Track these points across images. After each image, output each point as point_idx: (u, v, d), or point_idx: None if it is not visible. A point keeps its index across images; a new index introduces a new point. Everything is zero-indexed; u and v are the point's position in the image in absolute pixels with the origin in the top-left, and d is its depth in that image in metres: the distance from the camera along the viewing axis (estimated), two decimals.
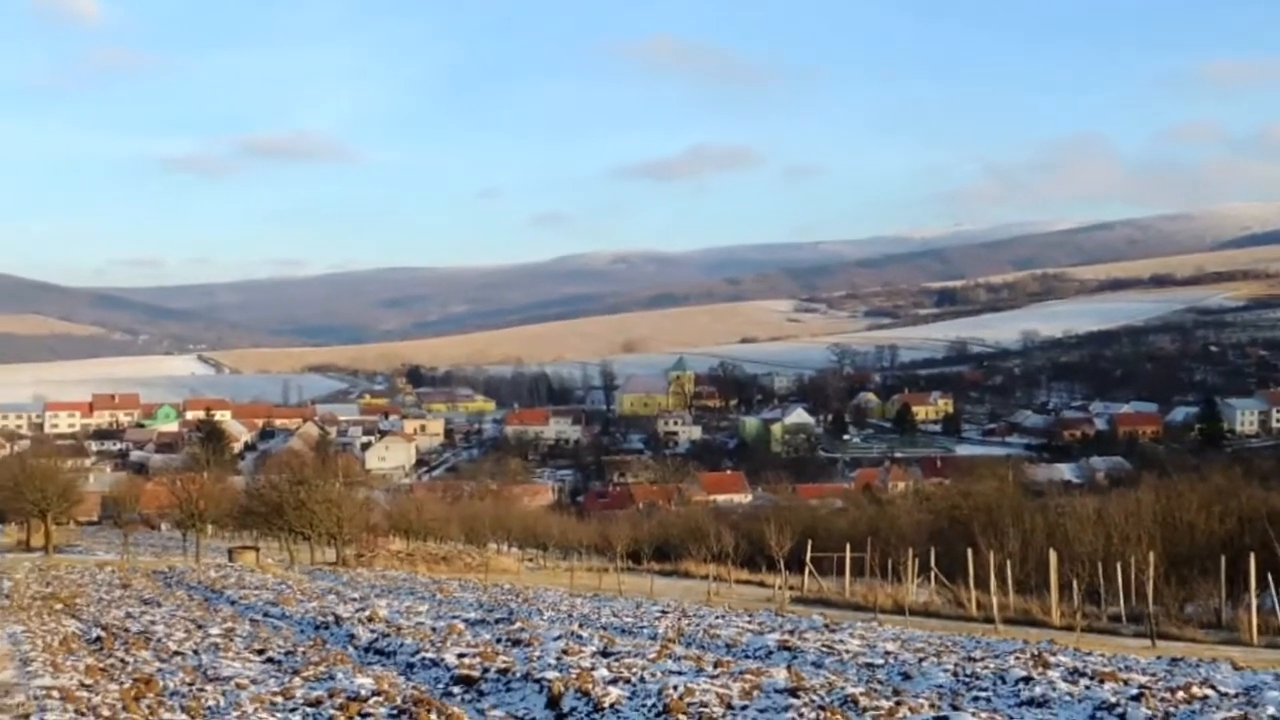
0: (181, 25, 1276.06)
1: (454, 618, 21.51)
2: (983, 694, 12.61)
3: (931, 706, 11.23)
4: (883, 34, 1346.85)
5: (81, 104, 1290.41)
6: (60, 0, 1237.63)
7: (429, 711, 11.25)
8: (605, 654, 15.10)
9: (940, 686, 13.34)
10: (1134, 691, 11.95)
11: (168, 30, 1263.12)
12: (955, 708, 11.33)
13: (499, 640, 16.99)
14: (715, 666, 13.84)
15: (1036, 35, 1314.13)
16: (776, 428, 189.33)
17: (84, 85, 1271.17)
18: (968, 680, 13.64)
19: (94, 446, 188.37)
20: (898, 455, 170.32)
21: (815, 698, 11.51)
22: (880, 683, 13.65)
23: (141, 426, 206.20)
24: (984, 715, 10.99)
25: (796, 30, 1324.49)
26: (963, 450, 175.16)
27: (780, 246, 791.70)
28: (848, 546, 41.74)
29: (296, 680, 13.46)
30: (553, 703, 12.02)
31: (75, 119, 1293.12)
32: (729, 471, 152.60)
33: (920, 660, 15.69)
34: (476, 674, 13.78)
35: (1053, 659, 15.58)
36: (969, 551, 34.58)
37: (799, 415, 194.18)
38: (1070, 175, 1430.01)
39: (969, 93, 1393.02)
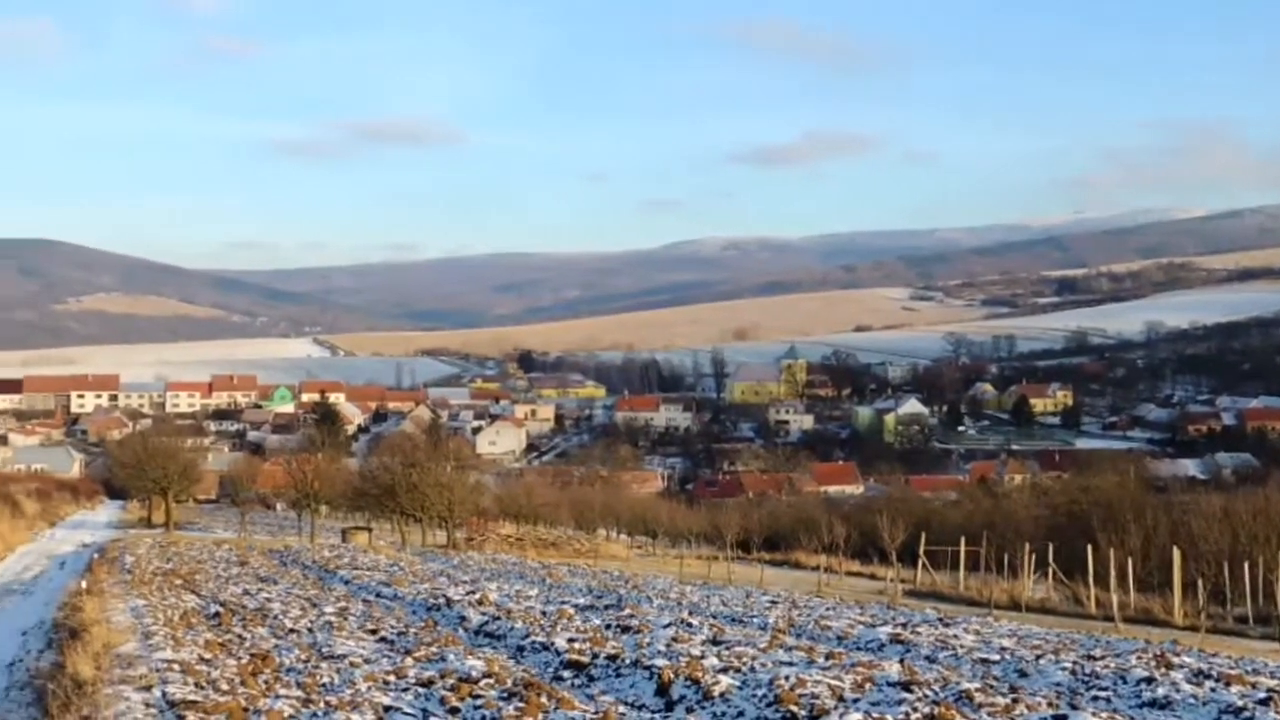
0: (292, 11, 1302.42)
1: (563, 603, 21.59)
2: (1103, 693, 12.34)
3: (1049, 705, 11.03)
4: (1001, 16, 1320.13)
5: (198, 90, 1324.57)
6: None
7: (539, 695, 11.26)
8: (715, 642, 15.01)
9: (1058, 685, 13.10)
10: (1262, 695, 11.57)
11: (279, 16, 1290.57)
12: (1074, 707, 11.10)
13: (608, 626, 16.98)
14: (827, 658, 13.71)
15: (1162, 16, 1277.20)
16: (890, 418, 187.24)
17: (200, 72, 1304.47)
18: (1087, 679, 13.36)
19: (212, 426, 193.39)
20: (1014, 448, 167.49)
21: (929, 692, 11.36)
22: (996, 679, 13.42)
23: (258, 407, 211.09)
24: (1104, 715, 10.73)
25: (912, 13, 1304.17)
26: (1082, 444, 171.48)
27: (896, 233, 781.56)
28: (962, 540, 41.11)
29: (409, 660, 13.60)
30: (662, 690, 11.97)
31: (192, 105, 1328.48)
32: (841, 462, 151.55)
33: (1037, 657, 15.41)
34: (586, 659, 13.79)
35: (1176, 659, 15.17)
36: (1088, 548, 33.86)
37: (913, 406, 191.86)
38: (1198, 161, 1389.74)
39: (1090, 76, 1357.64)
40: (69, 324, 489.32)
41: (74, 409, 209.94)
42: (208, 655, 13.76)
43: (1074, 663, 14.61)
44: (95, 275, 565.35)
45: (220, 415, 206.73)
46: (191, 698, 11.03)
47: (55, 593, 26.77)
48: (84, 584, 24.51)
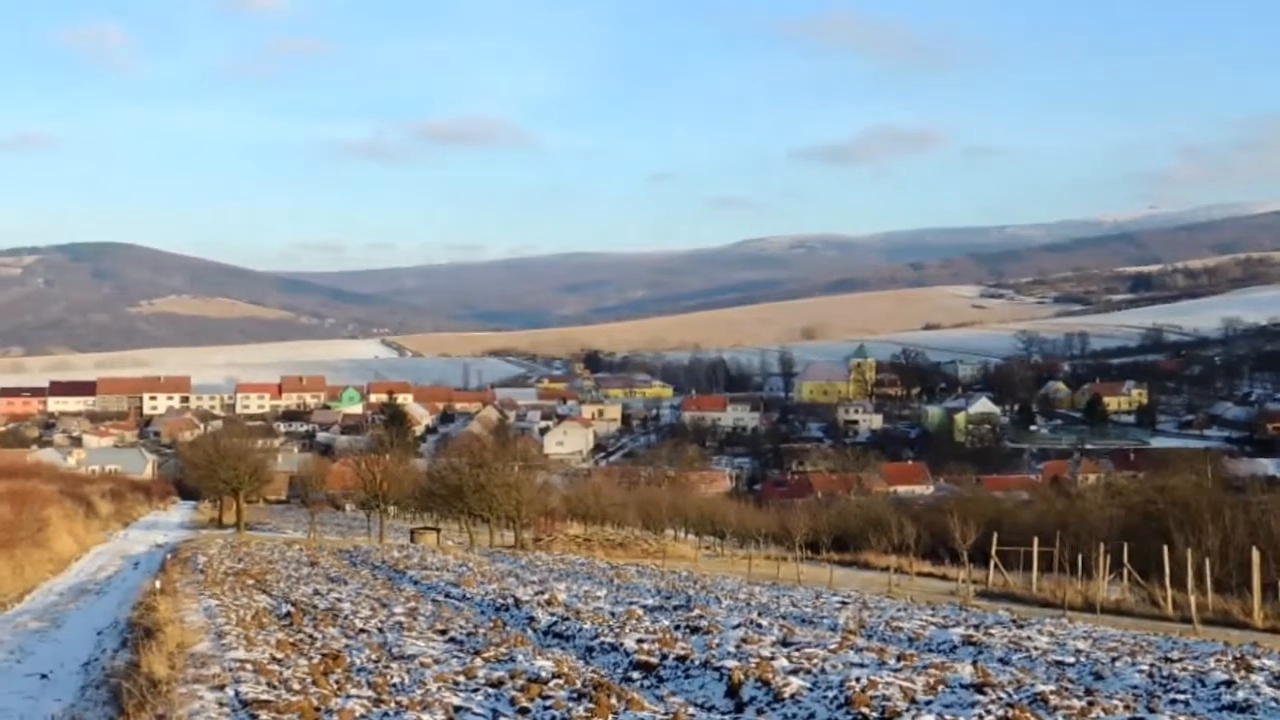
0: (358, 13, 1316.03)
1: (632, 603, 21.57)
2: (1181, 697, 12.14)
3: (1126, 708, 10.90)
4: (1070, 8, 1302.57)
5: (265, 92, 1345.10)
6: None
7: (609, 696, 11.24)
8: (785, 644, 14.93)
9: (1135, 687, 12.93)
10: None
11: (345, 18, 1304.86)
12: (1152, 710, 10.98)
13: (677, 627, 16.94)
14: (898, 660, 13.59)
15: (1236, 7, 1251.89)
16: (960, 417, 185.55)
17: (268, 74, 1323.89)
18: (1164, 682, 13.20)
19: (282, 427, 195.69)
20: (1088, 447, 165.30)
21: (1003, 695, 11.25)
22: (1071, 682, 13.25)
23: (327, 408, 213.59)
24: (1182, 719, 10.53)
25: (978, 6, 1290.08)
26: (1157, 443, 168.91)
27: (965, 230, 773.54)
28: (1035, 541, 40.56)
29: (478, 661, 13.64)
30: (732, 691, 11.92)
31: (259, 107, 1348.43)
32: (910, 462, 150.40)
33: (1113, 659, 15.21)
34: (655, 660, 13.76)
35: (1256, 662, 14.85)
36: (1164, 548, 33.29)
37: (984, 405, 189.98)
38: (1275, 155, 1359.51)
39: (1163, 68, 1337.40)
40: (141, 326, 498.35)
41: (146, 410, 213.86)
42: (279, 655, 13.89)
43: (1151, 665, 14.44)
44: (166, 278, 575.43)
45: (289, 416, 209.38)
46: (264, 697, 11.13)
47: (129, 592, 27.24)
48: (157, 584, 24.88)
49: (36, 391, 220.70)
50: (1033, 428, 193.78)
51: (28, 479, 58.39)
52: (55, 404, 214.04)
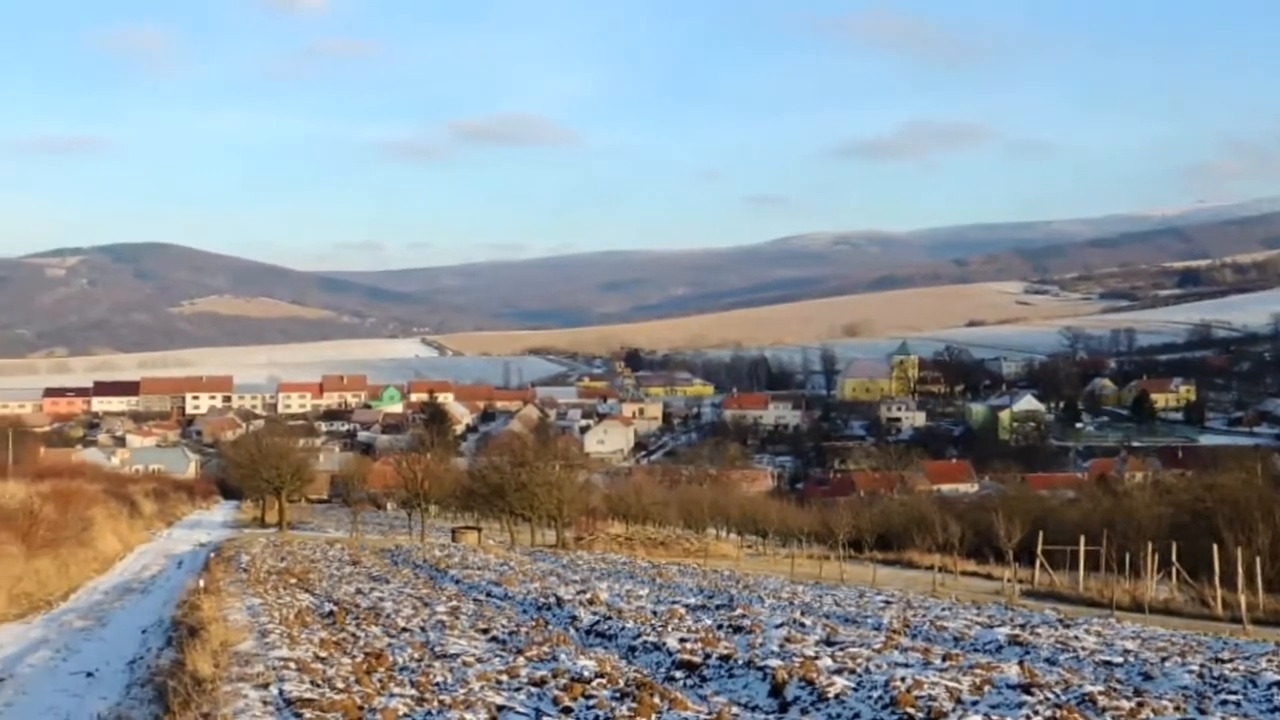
0: (398, 13, 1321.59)
1: (674, 602, 21.54)
2: (1232, 698, 12.01)
3: (1176, 709, 10.82)
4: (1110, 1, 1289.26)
5: (305, 92, 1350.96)
6: None
7: (652, 695, 11.21)
8: (829, 643, 14.85)
9: (1185, 688, 12.80)
10: None
11: (385, 18, 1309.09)
12: (1202, 711, 10.90)
13: (720, 626, 16.89)
14: (944, 659, 13.51)
15: None
16: (1005, 415, 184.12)
17: (308, 75, 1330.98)
18: (1215, 683, 13.05)
19: (323, 427, 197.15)
20: (1135, 445, 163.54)
21: (1050, 695, 11.19)
22: (1119, 682, 13.15)
23: (368, 407, 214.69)
24: None
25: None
26: (1206, 440, 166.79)
27: (1008, 226, 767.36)
28: (1081, 540, 40.20)
29: (520, 660, 13.64)
30: (776, 690, 11.87)
31: (299, 107, 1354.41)
32: (954, 460, 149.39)
33: (1162, 660, 15.06)
34: (698, 659, 13.71)
35: None
36: (1214, 547, 32.90)
37: (1029, 402, 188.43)
38: None
39: (1209, 60, 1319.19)
40: (183, 326, 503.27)
41: (189, 410, 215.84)
42: (323, 653, 13.94)
43: (1201, 666, 14.30)
44: (208, 278, 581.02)
45: (331, 415, 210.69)
46: (308, 695, 11.17)
47: (173, 591, 27.47)
48: (201, 583, 25.06)
49: (81, 391, 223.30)
50: (1079, 425, 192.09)
51: (72, 479, 58.99)
52: (99, 404, 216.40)
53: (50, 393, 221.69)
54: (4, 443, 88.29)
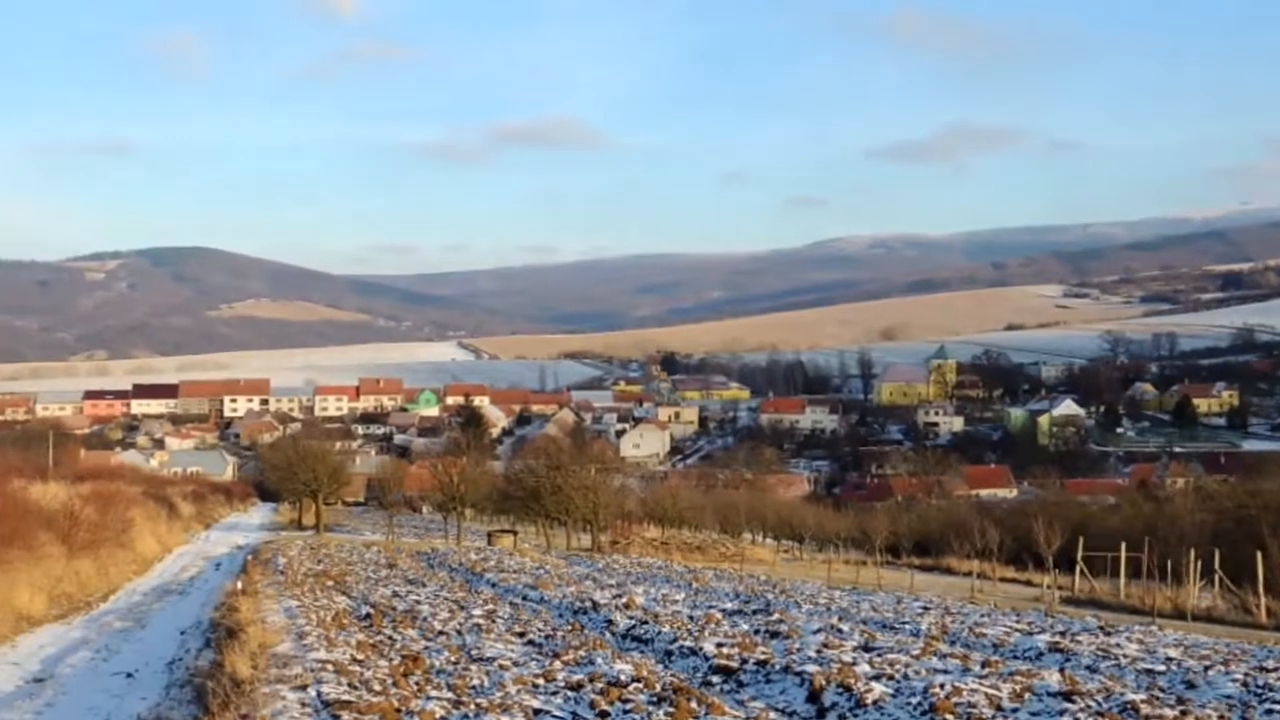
0: (432, 16, 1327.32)
1: (710, 607, 21.47)
2: (1276, 707, 11.87)
3: (1220, 718, 10.76)
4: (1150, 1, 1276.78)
5: (341, 95, 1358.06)
6: None
7: (689, 700, 11.18)
8: (867, 649, 14.76)
9: (1229, 697, 12.63)
10: None
11: (419, 21, 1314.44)
12: None
13: (757, 631, 16.82)
14: (983, 666, 13.40)
15: None
16: (1044, 419, 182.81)
17: (343, 77, 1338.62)
18: (1259, 692, 12.85)
19: (360, 430, 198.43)
20: (1177, 450, 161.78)
21: (1091, 703, 11.09)
22: (1162, 690, 13.01)
23: (404, 411, 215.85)
24: None
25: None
26: (1249, 445, 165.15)
27: (1047, 229, 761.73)
28: (1122, 546, 39.83)
29: (557, 664, 13.62)
30: (813, 696, 11.81)
31: (335, 110, 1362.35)
32: (993, 465, 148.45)
33: (1206, 668, 14.86)
34: (735, 664, 13.66)
35: None
36: (1257, 554, 32.50)
37: (1068, 406, 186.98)
38: None
39: (1252, 59, 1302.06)
40: (221, 329, 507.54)
41: (227, 413, 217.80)
42: (360, 656, 13.98)
43: (1245, 674, 14.11)
44: (246, 281, 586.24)
45: (367, 419, 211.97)
46: (345, 698, 11.19)
47: (211, 593, 27.65)
48: (239, 585, 25.21)
49: (120, 394, 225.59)
50: (1119, 430, 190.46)
51: (112, 481, 59.55)
52: (138, 406, 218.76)
53: (90, 395, 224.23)
54: (45, 445, 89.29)
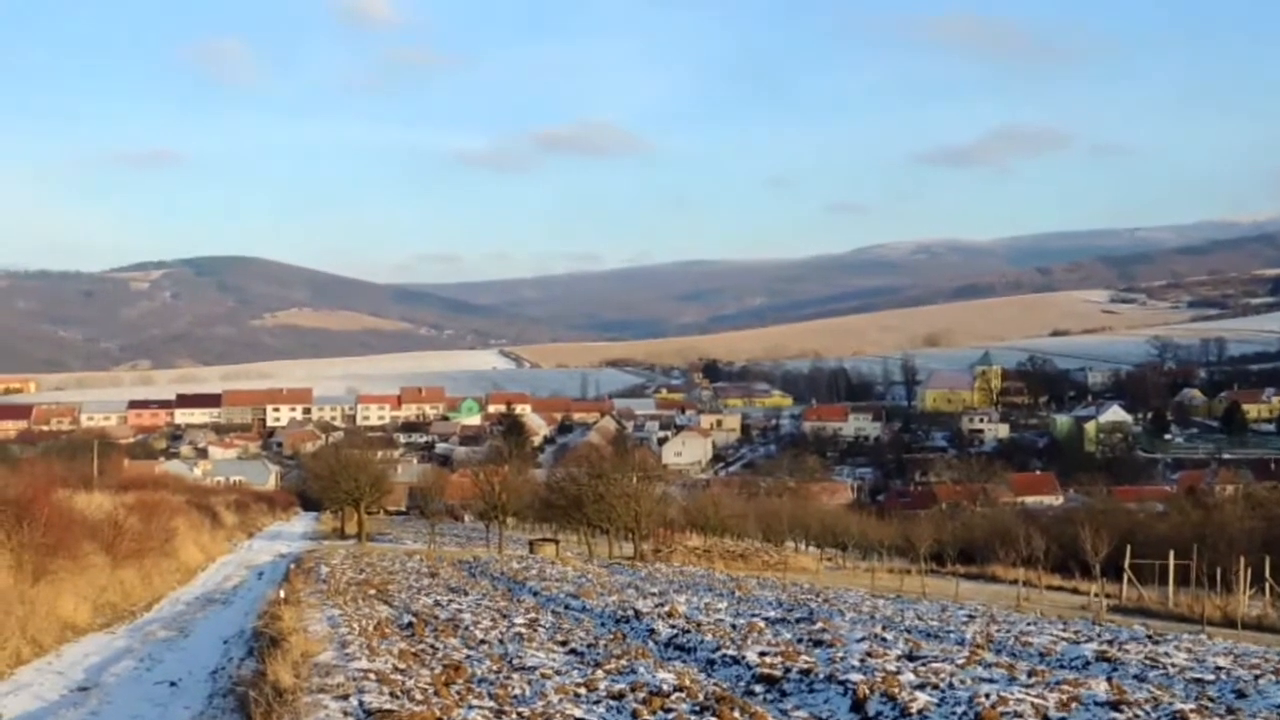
0: (474, 23, 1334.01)
1: (753, 616, 21.37)
2: None
3: None
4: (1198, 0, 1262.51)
5: (382, 103, 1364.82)
6: (361, 5, 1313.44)
7: (731, 709, 11.12)
8: (911, 658, 14.62)
9: (1279, 707, 12.42)
10: None
11: (461, 29, 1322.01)
12: None
13: (800, 640, 16.71)
14: (1029, 675, 13.27)
15: None
16: (1090, 426, 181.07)
17: (385, 85, 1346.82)
18: None
19: (402, 438, 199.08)
20: (1225, 456, 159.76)
21: (1140, 712, 10.99)
22: (1211, 700, 12.88)
23: (446, 419, 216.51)
24: None
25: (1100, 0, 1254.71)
26: None
27: (1093, 234, 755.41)
28: (1171, 554, 39.35)
29: (599, 673, 13.57)
30: (857, 706, 11.72)
31: (377, 118, 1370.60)
32: (1039, 472, 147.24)
33: (1256, 677, 14.69)
34: (778, 673, 13.57)
35: None
36: None
37: (1115, 413, 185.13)
38: None
39: None
40: (264, 339, 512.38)
41: (269, 422, 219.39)
42: (402, 665, 13.99)
43: None
44: (288, 291, 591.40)
45: (409, 427, 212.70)
46: (387, 707, 11.21)
47: (254, 602, 27.80)
48: (282, 594, 25.32)
49: (164, 404, 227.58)
50: (1167, 437, 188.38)
51: (156, 490, 60.08)
52: (182, 416, 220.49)
53: (134, 405, 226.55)
54: (90, 454, 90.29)
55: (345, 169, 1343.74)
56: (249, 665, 16.96)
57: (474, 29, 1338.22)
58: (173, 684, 17.05)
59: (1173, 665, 15.94)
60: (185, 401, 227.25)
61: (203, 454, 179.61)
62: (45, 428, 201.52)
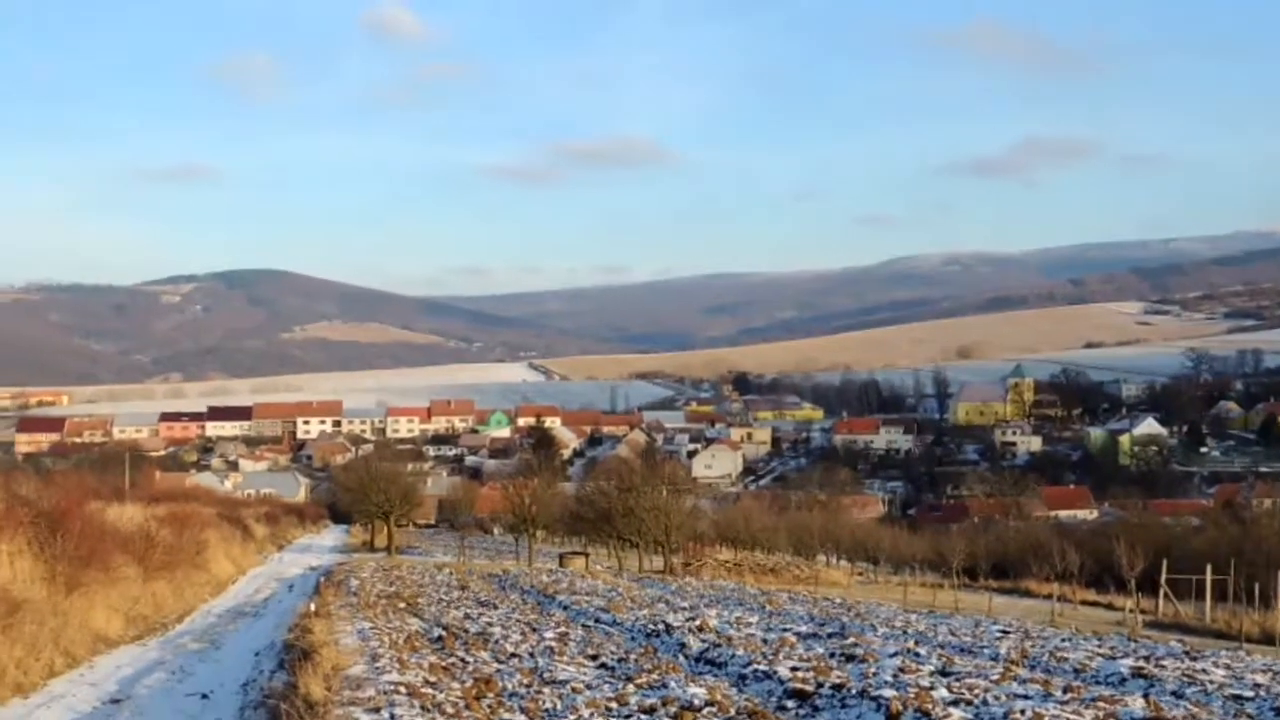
0: (503, 36, 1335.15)
1: (785, 630, 21.26)
2: None
3: None
4: (1231, 3, 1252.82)
5: (411, 117, 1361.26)
6: (389, 19, 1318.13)
7: None
8: (944, 673, 14.50)
9: None
10: None
11: (490, 42, 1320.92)
12: None
13: (832, 655, 16.60)
14: (1064, 692, 13.13)
15: None
16: (1125, 439, 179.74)
17: (413, 99, 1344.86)
18: None
19: (431, 451, 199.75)
20: (1263, 470, 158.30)
21: None
22: (1250, 717, 12.79)
23: (475, 432, 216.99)
24: None
25: (1130, 6, 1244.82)
26: None
27: (1126, 245, 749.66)
28: (1208, 568, 38.97)
29: (630, 687, 13.52)
30: None
31: (405, 131, 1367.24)
32: (1072, 485, 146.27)
33: None
34: (810, 688, 13.46)
35: None
36: None
37: (1150, 426, 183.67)
38: None
39: None
40: (294, 351, 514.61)
41: (299, 435, 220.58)
42: (432, 678, 13.97)
43: None
44: (318, 304, 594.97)
45: (438, 440, 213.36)
46: None
47: (285, 615, 27.84)
48: (312, 606, 25.37)
49: (195, 416, 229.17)
50: (1203, 450, 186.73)
51: (187, 502, 60.48)
52: (213, 428, 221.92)
53: (166, 417, 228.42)
54: (121, 466, 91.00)
55: (374, 183, 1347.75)
56: (280, 678, 16.96)
57: (502, 44, 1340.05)
58: (204, 696, 17.08)
59: (1210, 682, 15.73)
60: (216, 414, 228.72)
61: (233, 466, 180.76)
62: (78, 440, 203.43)
